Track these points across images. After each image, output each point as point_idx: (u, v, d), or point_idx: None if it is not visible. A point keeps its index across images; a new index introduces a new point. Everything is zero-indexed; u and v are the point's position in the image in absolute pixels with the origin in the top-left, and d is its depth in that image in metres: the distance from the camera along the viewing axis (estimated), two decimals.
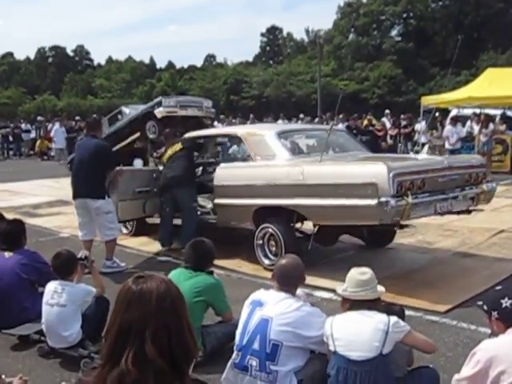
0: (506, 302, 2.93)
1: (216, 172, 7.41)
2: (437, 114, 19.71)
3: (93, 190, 6.59)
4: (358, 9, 64.25)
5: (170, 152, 7.72)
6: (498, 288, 3.13)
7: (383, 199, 5.50)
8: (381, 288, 3.47)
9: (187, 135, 8.13)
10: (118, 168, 7.09)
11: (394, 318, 3.30)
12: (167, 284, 1.73)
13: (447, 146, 17.02)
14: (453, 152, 16.50)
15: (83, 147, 6.81)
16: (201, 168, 8.72)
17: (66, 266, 4.56)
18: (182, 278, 4.15)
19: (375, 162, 6.09)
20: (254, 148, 7.06)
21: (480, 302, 3.09)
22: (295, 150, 7.23)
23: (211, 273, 4.36)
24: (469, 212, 6.87)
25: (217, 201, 7.35)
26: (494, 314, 2.95)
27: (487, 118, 17.30)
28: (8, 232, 4.98)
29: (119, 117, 17.29)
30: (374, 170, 5.71)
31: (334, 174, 6.10)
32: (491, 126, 16.84)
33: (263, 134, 7.13)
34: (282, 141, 7.02)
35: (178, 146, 7.72)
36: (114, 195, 7.13)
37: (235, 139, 7.99)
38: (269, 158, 6.82)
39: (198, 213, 7.73)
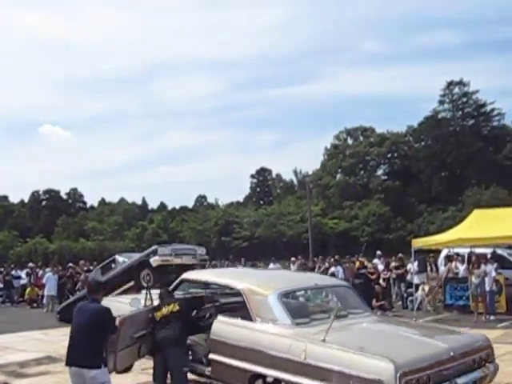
0: None
1: (213, 325, 7.19)
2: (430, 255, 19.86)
3: (89, 358, 6.32)
4: (344, 150, 66.91)
5: (164, 311, 7.53)
6: None
7: None
8: None
9: (184, 281, 8.03)
10: (119, 319, 6.88)
11: None
12: None
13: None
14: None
15: (83, 311, 6.65)
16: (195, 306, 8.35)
17: None
18: None
19: (383, 355, 5.69)
20: (254, 308, 6.88)
21: None
22: (298, 315, 6.91)
23: None
24: None
25: (212, 356, 7.12)
26: None
27: (478, 259, 17.34)
28: None
29: (113, 265, 17.36)
30: (381, 366, 5.50)
31: (337, 361, 5.81)
32: (483, 266, 16.80)
33: (266, 295, 6.92)
34: (284, 303, 6.83)
35: (174, 307, 7.52)
36: (113, 346, 6.88)
37: (236, 293, 7.49)
38: (269, 322, 6.65)
39: (190, 357, 7.50)
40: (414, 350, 6.13)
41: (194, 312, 8.17)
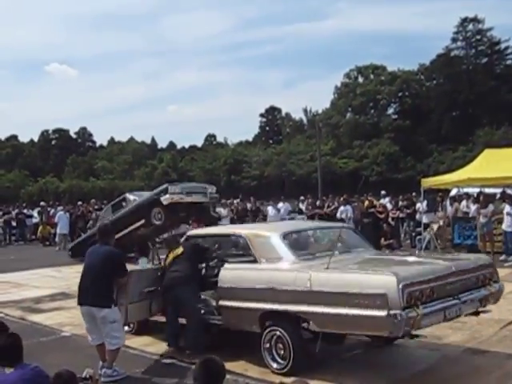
0: None
1: (220, 273, 7.28)
2: (439, 195, 19.83)
3: (99, 298, 6.46)
4: (355, 89, 65.90)
5: (171, 256, 7.73)
6: None
7: (393, 311, 5.42)
8: None
9: (189, 238, 8.12)
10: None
11: None
12: None
13: (504, 227, 16.18)
14: None
15: (94, 253, 6.74)
16: (203, 264, 8.55)
17: None
18: None
19: (384, 270, 5.93)
20: (258, 250, 6.99)
21: None
22: (301, 252, 7.09)
23: None
24: (477, 314, 6.73)
25: (221, 302, 7.22)
26: None
27: (486, 199, 17.31)
28: (9, 346, 4.80)
29: (123, 204, 17.42)
30: (383, 280, 5.64)
31: (341, 283, 5.97)
32: (490, 206, 16.79)
33: (268, 236, 7.09)
34: (287, 242, 6.97)
35: (179, 250, 7.70)
36: (123, 298, 7.06)
37: (239, 239, 7.62)
38: (274, 261, 6.78)
39: (202, 311, 7.56)
40: (416, 267, 6.49)
41: (203, 269, 8.15)
